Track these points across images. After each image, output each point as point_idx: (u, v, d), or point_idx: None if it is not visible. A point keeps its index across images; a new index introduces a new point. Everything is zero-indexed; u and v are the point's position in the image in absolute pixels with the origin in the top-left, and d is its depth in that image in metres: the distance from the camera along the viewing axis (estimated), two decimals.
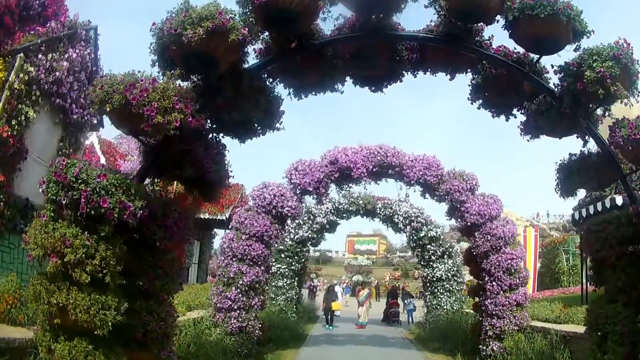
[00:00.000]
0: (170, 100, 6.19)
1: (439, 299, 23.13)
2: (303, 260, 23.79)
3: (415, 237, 23.65)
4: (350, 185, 15.54)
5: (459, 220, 15.36)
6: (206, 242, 33.17)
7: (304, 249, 23.68)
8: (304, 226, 23.51)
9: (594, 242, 8.11)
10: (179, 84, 6.80)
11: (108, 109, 6.19)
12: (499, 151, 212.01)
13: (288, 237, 23.44)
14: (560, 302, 16.37)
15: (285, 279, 22.86)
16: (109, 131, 47.00)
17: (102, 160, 23.18)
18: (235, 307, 13.77)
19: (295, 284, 23.35)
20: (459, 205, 14.96)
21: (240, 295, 13.75)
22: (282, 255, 23.11)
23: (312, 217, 23.66)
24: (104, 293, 6.08)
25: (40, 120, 11.91)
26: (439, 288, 23.30)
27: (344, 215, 24.03)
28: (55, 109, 12.55)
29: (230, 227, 15.03)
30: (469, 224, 14.89)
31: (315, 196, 14.51)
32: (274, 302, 22.24)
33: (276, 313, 21.09)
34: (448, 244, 23.96)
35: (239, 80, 7.45)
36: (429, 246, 23.41)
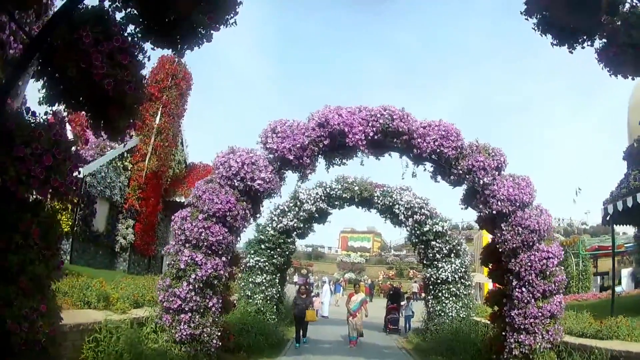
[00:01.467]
0: None
1: (443, 304, 19.88)
2: (287, 253, 20.41)
3: (417, 232, 20.40)
4: (343, 159, 12.27)
5: (479, 207, 12.06)
6: None
7: (289, 240, 20.28)
8: (288, 213, 20.23)
9: None
10: None
11: None
12: None
13: (270, 225, 20.19)
14: (586, 311, 13.24)
15: (264, 275, 19.58)
16: None
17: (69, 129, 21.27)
18: (187, 309, 10.53)
19: (277, 280, 20.02)
20: (481, 188, 11.72)
21: (192, 294, 10.51)
22: (262, 247, 19.85)
23: (298, 203, 20.40)
24: None
25: None
26: (443, 291, 20.05)
27: (336, 202, 20.73)
28: None
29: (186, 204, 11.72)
30: (494, 212, 11.67)
31: (298, 169, 11.18)
32: (250, 300, 19.00)
33: (252, 314, 17.84)
34: (456, 241, 20.69)
35: None
36: (433, 243, 20.16)
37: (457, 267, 20.20)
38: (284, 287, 22.32)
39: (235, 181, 10.79)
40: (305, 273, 62.42)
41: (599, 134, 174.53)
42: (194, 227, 10.59)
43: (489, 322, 14.87)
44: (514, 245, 11.25)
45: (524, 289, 11.19)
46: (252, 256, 19.73)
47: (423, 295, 43.32)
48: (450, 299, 19.95)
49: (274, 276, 19.83)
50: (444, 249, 20.18)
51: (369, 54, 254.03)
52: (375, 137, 11.20)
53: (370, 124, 11.21)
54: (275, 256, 19.81)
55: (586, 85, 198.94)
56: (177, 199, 26.32)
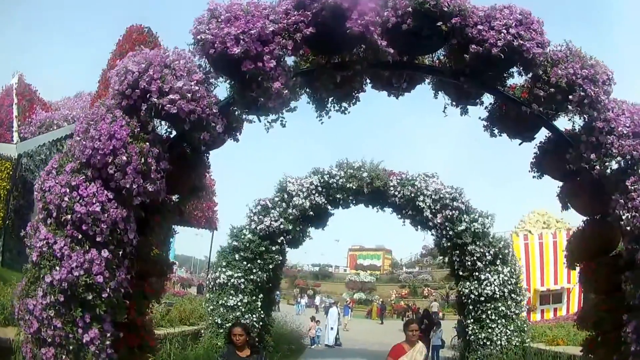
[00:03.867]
0: None
1: (489, 330, 14.39)
2: (272, 266, 14.83)
3: (450, 233, 14.97)
4: (343, 90, 6.95)
5: (585, 157, 6.47)
6: (160, 239, 24.34)
7: (273, 248, 14.70)
8: (272, 211, 14.80)
9: None
10: None
11: None
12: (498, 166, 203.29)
13: (247, 228, 14.78)
14: None
15: (240, 295, 14.14)
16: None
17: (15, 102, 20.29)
18: (48, 339, 5.20)
19: (259, 303, 14.53)
20: (589, 119, 6.39)
21: (52, 312, 5.16)
22: (237, 257, 14.41)
23: (286, 197, 15.03)
24: None
25: None
26: (489, 312, 14.55)
27: (339, 197, 15.28)
28: None
29: None
30: (611, 163, 6.33)
31: (253, 80, 5.55)
32: (221, 331, 13.63)
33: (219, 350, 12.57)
34: (502, 243, 15.25)
35: None
36: (471, 246, 14.71)
37: (505, 279, 14.77)
38: (271, 311, 16.70)
39: (132, 99, 5.42)
40: (311, 294, 57.81)
41: None
42: (55, 187, 5.28)
43: (560, 351, 11.85)
44: None
45: None
46: (224, 270, 14.32)
47: (440, 315, 38.18)
48: (499, 321, 14.49)
49: (253, 297, 14.33)
50: (486, 254, 14.76)
51: None
52: (400, 24, 5.75)
53: (390, 3, 5.84)
54: (254, 270, 14.32)
55: None
56: None
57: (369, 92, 7.74)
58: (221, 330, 13.75)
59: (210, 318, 14.21)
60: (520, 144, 7.84)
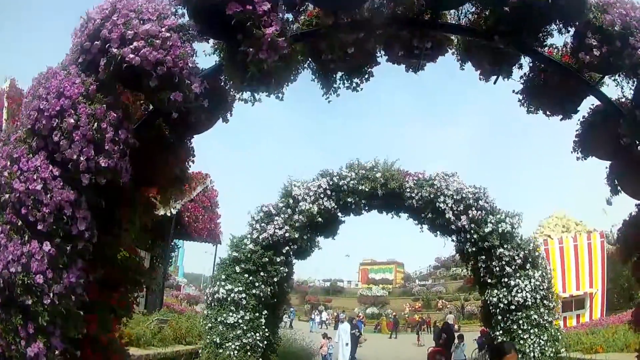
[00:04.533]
0: None
1: (522, 341, 12.85)
2: (277, 279, 13.31)
3: (475, 237, 13.45)
4: (347, 34, 5.53)
5: None
6: (160, 253, 22.85)
7: (278, 260, 13.21)
8: (277, 218, 13.32)
9: None
10: None
11: None
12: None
13: (249, 237, 13.32)
14: None
15: (241, 312, 12.65)
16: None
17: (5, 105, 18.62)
18: None
19: (263, 320, 13.04)
20: None
21: None
22: (238, 270, 12.94)
23: (291, 202, 13.59)
24: None
25: None
26: (520, 322, 13.01)
27: (350, 200, 13.74)
28: None
29: None
30: None
31: (240, 29, 4.20)
32: (220, 351, 12.14)
33: None
34: (531, 245, 13.74)
35: None
36: (500, 250, 13.20)
37: (537, 284, 13.25)
38: (277, 329, 15.14)
39: (91, 54, 4.05)
40: (322, 309, 56.44)
41: None
42: None
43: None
44: None
45: None
46: (223, 284, 12.86)
47: (456, 327, 36.42)
48: (531, 331, 12.95)
49: (256, 314, 12.83)
50: (516, 257, 13.24)
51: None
52: None
53: None
54: (257, 283, 12.83)
55: None
56: None
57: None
58: (220, 351, 12.30)
59: (208, 337, 12.72)
60: (561, 120, 6.58)
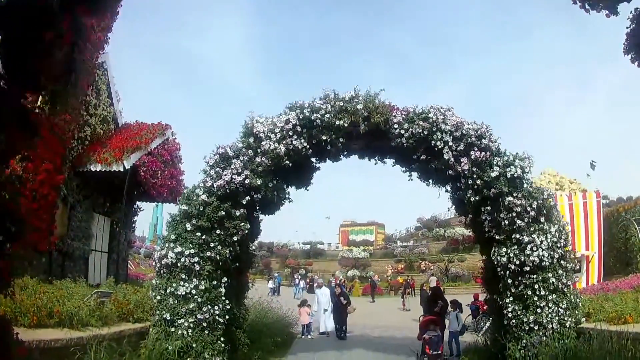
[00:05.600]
0: None
1: (538, 310, 10.58)
2: (236, 237, 10.69)
3: (478, 183, 11.04)
4: None
5: None
6: (119, 217, 20.27)
7: (237, 213, 10.62)
8: (234, 161, 10.70)
9: None
10: None
11: None
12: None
13: (202, 186, 10.72)
14: None
15: (195, 280, 10.12)
16: None
17: None
18: None
19: (223, 289, 10.53)
20: None
21: None
22: (189, 227, 10.39)
23: (252, 141, 10.98)
24: None
25: None
26: (536, 286, 10.70)
27: (325, 139, 11.16)
28: None
29: None
30: None
31: None
32: (173, 330, 9.70)
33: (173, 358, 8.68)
34: (545, 194, 11.32)
35: None
36: (509, 199, 10.80)
37: (554, 240, 10.91)
38: (242, 300, 12.62)
39: None
40: (303, 273, 54.36)
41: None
42: None
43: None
44: None
45: None
46: (172, 246, 10.34)
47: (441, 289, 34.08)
48: (549, 297, 10.65)
49: (214, 282, 10.31)
50: (528, 207, 10.86)
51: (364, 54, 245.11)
52: None
53: None
54: (213, 244, 10.29)
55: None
56: (92, 168, 16.81)
57: None
58: (172, 330, 9.82)
59: (158, 312, 10.18)
60: (608, 16, 6.11)
